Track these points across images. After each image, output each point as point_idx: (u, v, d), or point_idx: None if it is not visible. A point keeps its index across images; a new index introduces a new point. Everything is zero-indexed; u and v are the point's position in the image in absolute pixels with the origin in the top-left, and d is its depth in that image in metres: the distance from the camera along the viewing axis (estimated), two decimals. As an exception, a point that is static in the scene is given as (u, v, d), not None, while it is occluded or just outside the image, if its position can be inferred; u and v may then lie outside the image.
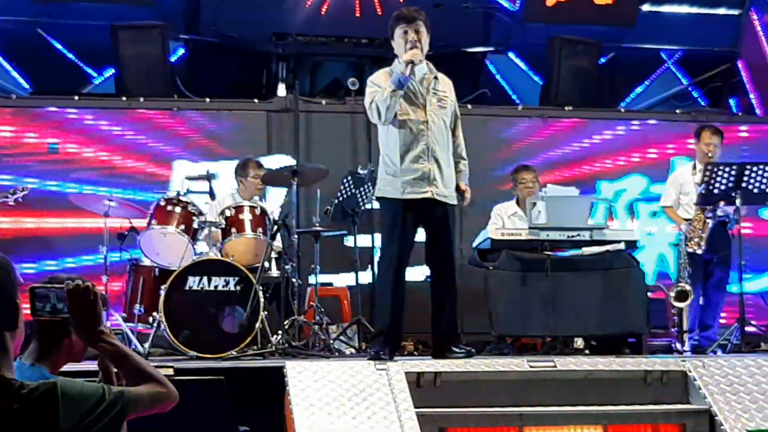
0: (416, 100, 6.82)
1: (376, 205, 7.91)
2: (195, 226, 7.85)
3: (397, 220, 6.78)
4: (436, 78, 6.95)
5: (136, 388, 2.80)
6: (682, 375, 6.57)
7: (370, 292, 8.70)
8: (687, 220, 8.68)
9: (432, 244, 6.93)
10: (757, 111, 11.56)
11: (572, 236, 8.16)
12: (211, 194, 8.26)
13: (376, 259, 7.43)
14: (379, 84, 6.82)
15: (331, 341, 8.01)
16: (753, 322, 8.72)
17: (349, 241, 9.23)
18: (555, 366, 6.54)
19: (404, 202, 6.77)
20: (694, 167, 8.90)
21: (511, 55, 11.70)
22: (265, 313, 7.52)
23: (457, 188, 6.99)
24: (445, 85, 7.02)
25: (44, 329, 2.99)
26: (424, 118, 6.80)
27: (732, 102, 11.81)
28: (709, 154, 8.75)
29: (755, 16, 11.54)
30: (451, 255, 6.95)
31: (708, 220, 8.48)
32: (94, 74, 10.89)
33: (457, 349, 6.86)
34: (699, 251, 8.48)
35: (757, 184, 8.37)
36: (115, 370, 2.97)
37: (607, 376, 6.56)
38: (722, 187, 8.37)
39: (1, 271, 2.63)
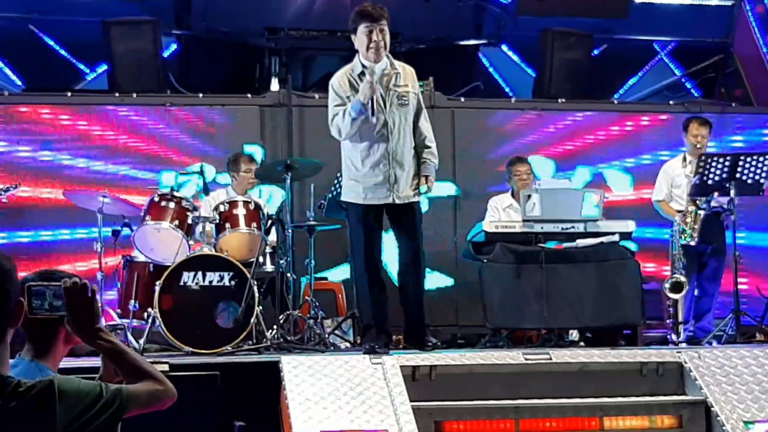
0: (377, 103, 6.81)
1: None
2: (189, 221, 7.84)
3: (359, 222, 6.91)
4: (397, 73, 6.93)
5: (133, 386, 2.79)
6: (677, 366, 6.58)
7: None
8: (679, 212, 8.68)
9: (400, 242, 7.08)
10: (751, 101, 11.55)
11: (566, 228, 8.16)
12: (205, 190, 8.25)
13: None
14: (340, 94, 6.86)
15: (326, 335, 8.01)
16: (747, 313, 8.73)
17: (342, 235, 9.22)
18: (550, 358, 6.55)
19: (365, 206, 6.88)
20: (684, 159, 8.90)
21: (503, 47, 11.70)
22: (260, 308, 7.51)
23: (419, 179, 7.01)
24: (407, 77, 6.99)
25: (41, 326, 2.97)
26: (384, 120, 6.83)
27: (725, 92, 11.80)
28: (698, 146, 8.76)
29: (747, 7, 11.54)
30: (418, 255, 7.04)
31: (700, 212, 8.48)
32: (87, 70, 10.86)
33: (424, 341, 7.00)
34: (692, 243, 8.48)
35: (750, 175, 8.37)
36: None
37: (603, 368, 6.57)
38: (716, 178, 8.37)
39: (3, 269, 2.63)
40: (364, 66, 6.83)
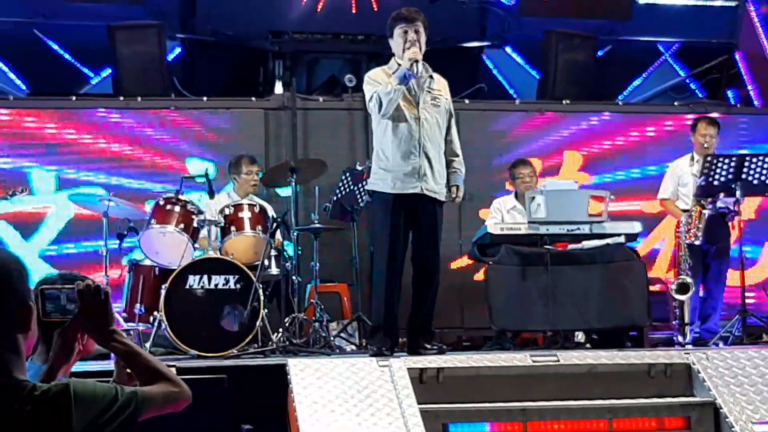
0: (411, 97, 6.91)
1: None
2: (195, 225, 7.84)
3: (387, 214, 6.89)
4: (431, 77, 7.04)
5: (149, 388, 2.78)
6: (685, 368, 6.57)
7: (369, 289, 8.70)
8: (685, 211, 8.67)
9: (418, 239, 7.02)
10: (755, 102, 11.55)
11: (572, 230, 8.15)
12: (210, 193, 8.24)
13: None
14: (378, 81, 6.90)
15: (332, 338, 8.00)
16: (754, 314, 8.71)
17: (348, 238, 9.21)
18: (558, 360, 6.53)
19: (395, 196, 6.87)
20: (692, 159, 8.89)
21: (507, 49, 11.68)
22: (266, 311, 7.51)
23: (449, 187, 7.06)
24: (441, 84, 7.12)
25: (54, 330, 2.97)
26: (417, 115, 6.88)
27: (730, 93, 11.79)
28: (705, 145, 8.76)
29: (752, 8, 11.52)
30: (436, 252, 7.04)
31: (705, 211, 8.47)
32: (92, 74, 10.86)
33: (429, 346, 6.95)
34: (697, 242, 8.48)
35: (756, 175, 8.37)
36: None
37: (611, 369, 6.56)
38: (722, 179, 8.37)
39: (14, 273, 2.61)
40: (400, 66, 6.89)
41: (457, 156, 7.16)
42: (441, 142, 7.02)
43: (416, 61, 6.78)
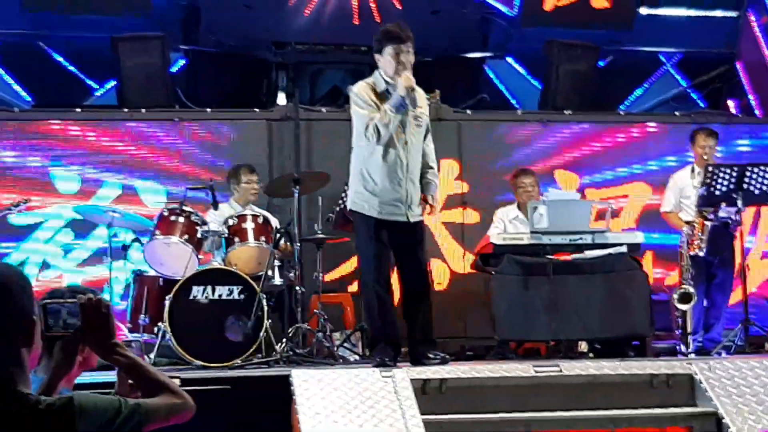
0: (399, 121, 6.89)
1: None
2: (199, 235, 7.86)
3: (371, 236, 6.92)
4: (417, 95, 7.00)
5: (152, 400, 2.80)
6: (688, 378, 6.59)
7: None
8: (688, 222, 8.69)
9: (403, 259, 7.07)
10: (756, 112, 11.56)
11: (574, 240, 8.17)
12: (214, 204, 8.27)
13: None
14: (366, 101, 6.88)
15: (335, 348, 8.02)
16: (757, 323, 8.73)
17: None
18: (560, 370, 6.56)
19: (379, 221, 6.90)
20: (693, 170, 8.92)
21: (509, 59, 11.71)
22: (269, 321, 7.53)
23: (423, 199, 7.08)
24: (422, 99, 7.12)
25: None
26: (404, 139, 6.91)
27: (731, 103, 11.81)
28: (705, 156, 8.79)
29: (753, 18, 11.55)
30: (425, 270, 7.13)
31: (707, 222, 8.50)
32: (96, 86, 10.90)
33: (431, 356, 6.95)
34: (700, 254, 8.49)
35: (758, 185, 8.39)
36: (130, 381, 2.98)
37: (613, 379, 6.58)
38: (723, 189, 8.40)
39: (16, 287, 2.64)
40: (387, 83, 6.88)
41: (432, 167, 7.19)
42: (419, 158, 7.07)
43: (412, 89, 6.79)
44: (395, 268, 7.17)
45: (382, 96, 6.91)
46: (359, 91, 6.96)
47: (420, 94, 7.07)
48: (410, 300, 7.06)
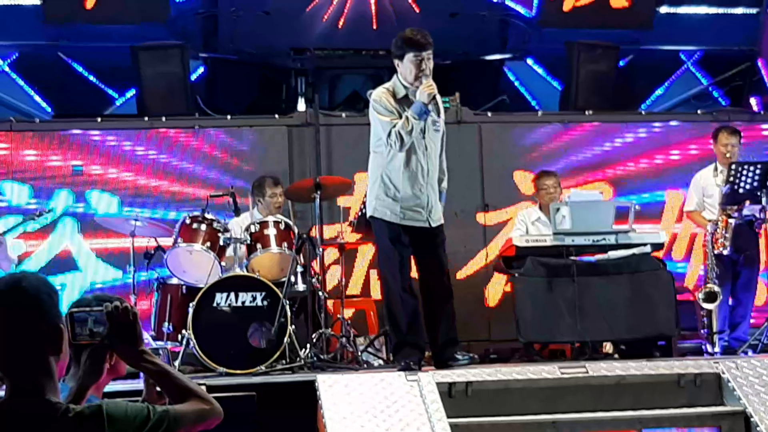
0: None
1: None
2: (221, 243, 7.87)
3: (394, 242, 6.90)
4: (436, 102, 6.99)
5: (180, 406, 2.80)
6: (715, 377, 6.54)
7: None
8: (711, 221, 8.65)
9: (424, 264, 7.05)
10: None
11: (597, 240, 8.14)
12: (236, 211, 8.28)
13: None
14: (386, 107, 6.87)
15: (359, 353, 8.01)
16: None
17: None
18: (587, 371, 6.52)
19: (401, 227, 6.88)
20: (716, 169, 8.87)
21: (529, 61, 11.69)
22: (293, 327, 7.53)
23: None
24: (438, 106, 7.09)
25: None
26: (424, 145, 6.90)
27: (753, 101, 11.74)
28: (728, 155, 8.74)
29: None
30: (446, 273, 7.08)
31: (731, 221, 8.45)
32: (116, 95, 10.95)
33: (459, 356, 6.93)
34: (725, 252, 8.45)
35: (782, 183, 8.34)
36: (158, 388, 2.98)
37: (640, 380, 6.54)
38: (747, 187, 8.35)
39: (44, 296, 2.65)
40: (406, 88, 6.88)
41: (445, 175, 7.18)
42: (437, 164, 7.06)
43: (434, 97, 6.79)
44: (417, 273, 7.15)
45: (401, 101, 6.89)
46: (379, 97, 6.94)
47: (438, 99, 7.05)
48: (433, 303, 7.03)
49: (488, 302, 9.83)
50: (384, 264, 7.08)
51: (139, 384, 3.15)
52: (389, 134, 6.78)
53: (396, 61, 6.96)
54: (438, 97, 7.04)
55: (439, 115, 7.01)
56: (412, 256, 7.02)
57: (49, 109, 10.69)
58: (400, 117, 6.81)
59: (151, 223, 8.30)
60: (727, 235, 8.45)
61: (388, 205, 6.91)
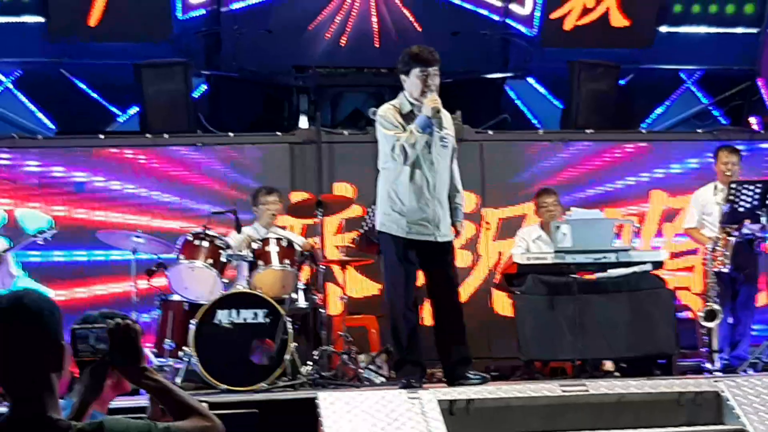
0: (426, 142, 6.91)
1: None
2: (223, 259, 7.90)
3: (400, 258, 6.94)
4: (444, 117, 7.01)
5: (181, 423, 2.81)
6: (715, 395, 6.55)
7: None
8: (711, 238, 8.67)
9: (433, 280, 7.07)
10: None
11: (598, 259, 8.16)
12: (237, 228, 8.31)
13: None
14: (392, 122, 6.91)
15: (361, 371, 8.02)
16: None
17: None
18: (587, 389, 6.54)
19: (407, 241, 6.90)
20: (715, 188, 8.91)
21: (530, 80, 11.73)
22: (295, 344, 7.54)
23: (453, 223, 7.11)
24: (448, 121, 7.11)
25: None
26: (431, 160, 6.91)
27: (753, 120, 11.77)
28: (728, 173, 8.77)
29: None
30: (456, 290, 7.11)
31: (731, 239, 8.48)
32: (119, 112, 10.98)
33: (471, 375, 6.92)
34: (725, 270, 8.47)
35: (782, 202, 8.36)
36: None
37: (640, 398, 6.55)
38: (747, 206, 8.38)
39: (45, 312, 2.67)
40: (412, 104, 6.91)
41: (459, 191, 7.20)
42: (448, 184, 7.07)
43: (438, 111, 6.82)
44: (426, 289, 7.16)
45: (408, 117, 6.93)
46: (385, 113, 6.99)
47: (446, 115, 7.07)
48: (443, 320, 7.03)
49: (489, 319, 9.83)
50: (390, 280, 7.09)
51: (144, 400, 3.16)
52: (393, 147, 6.83)
53: (402, 77, 7.02)
54: (447, 114, 7.06)
55: (441, 129, 6.96)
56: (422, 272, 7.04)
57: (52, 126, 10.73)
58: (406, 131, 6.85)
59: (152, 239, 8.32)
60: (726, 252, 8.48)
61: (394, 220, 6.94)
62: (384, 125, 6.96)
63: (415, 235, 6.91)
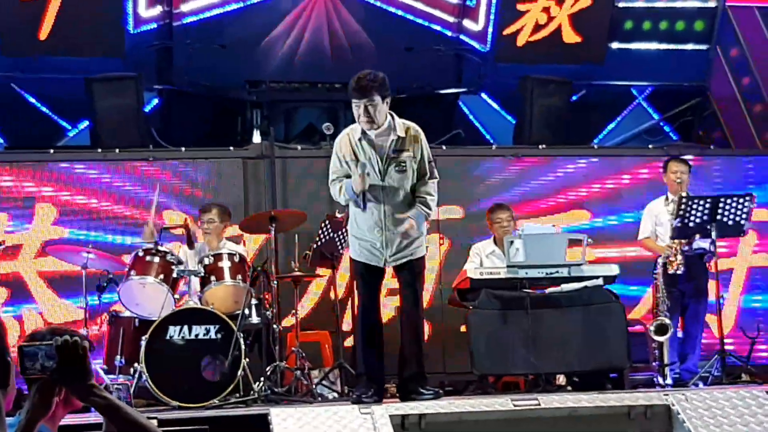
0: (376, 173, 6.89)
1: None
2: (174, 275, 7.84)
3: (360, 277, 7.07)
4: (398, 138, 6.92)
5: None
6: (665, 409, 6.60)
7: (349, 335, 8.78)
8: (667, 246, 8.74)
9: (401, 298, 7.14)
10: (728, 144, 11.67)
11: (551, 273, 8.20)
12: (189, 243, 8.27)
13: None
14: (339, 157, 6.95)
15: (314, 386, 8.00)
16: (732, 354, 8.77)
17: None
18: (539, 404, 6.56)
19: (362, 264, 6.99)
20: (666, 199, 8.99)
21: (483, 95, 11.79)
22: (247, 360, 7.50)
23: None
24: (409, 141, 6.96)
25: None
26: (381, 185, 6.89)
27: (703, 135, 11.91)
28: (678, 181, 8.85)
29: (722, 51, 11.68)
30: (414, 305, 7.07)
31: (679, 256, 8.57)
32: (69, 127, 10.89)
33: (424, 391, 6.92)
34: (680, 272, 8.55)
35: (731, 216, 8.46)
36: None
37: (592, 412, 6.59)
38: (697, 220, 8.46)
39: None
40: (363, 132, 6.91)
41: (428, 195, 6.98)
42: (409, 203, 6.94)
43: (363, 192, 6.83)
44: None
45: (357, 144, 6.90)
46: (336, 145, 7.05)
47: (410, 134, 6.93)
48: (402, 336, 7.06)
49: (442, 335, 9.85)
50: (358, 297, 7.20)
51: (96, 417, 3.12)
52: (330, 185, 7.03)
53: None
54: (412, 132, 6.95)
55: (405, 153, 6.92)
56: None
57: (1, 141, 10.61)
58: (357, 158, 6.85)
59: (103, 255, 8.24)
60: (680, 257, 8.56)
61: (353, 243, 7.07)
62: (333, 159, 7.05)
63: (367, 259, 6.97)
